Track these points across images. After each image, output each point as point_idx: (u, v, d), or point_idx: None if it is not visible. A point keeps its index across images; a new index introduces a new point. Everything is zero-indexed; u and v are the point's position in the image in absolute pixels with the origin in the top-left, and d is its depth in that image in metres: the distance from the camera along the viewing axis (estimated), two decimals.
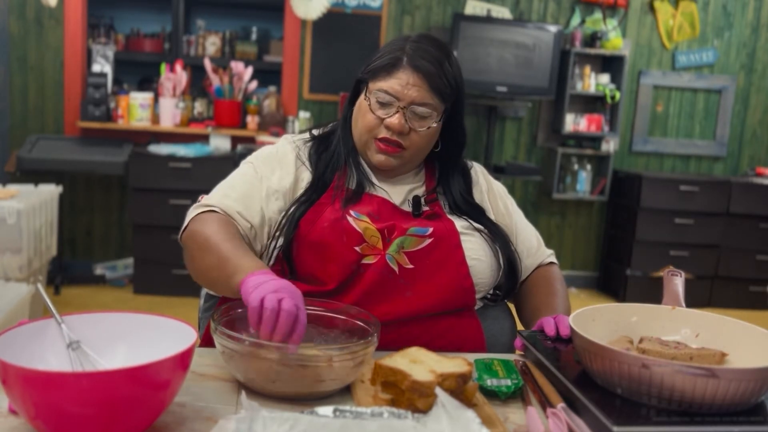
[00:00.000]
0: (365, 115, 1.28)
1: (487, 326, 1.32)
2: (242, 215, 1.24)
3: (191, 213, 1.25)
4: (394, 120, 1.24)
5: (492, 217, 1.38)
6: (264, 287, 0.96)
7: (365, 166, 1.34)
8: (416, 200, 1.32)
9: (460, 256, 1.26)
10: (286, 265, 1.24)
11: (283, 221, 1.25)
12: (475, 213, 1.35)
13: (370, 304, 1.18)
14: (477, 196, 1.40)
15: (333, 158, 1.33)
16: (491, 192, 1.44)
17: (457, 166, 1.39)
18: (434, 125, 1.28)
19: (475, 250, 1.28)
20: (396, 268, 1.22)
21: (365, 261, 1.21)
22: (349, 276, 1.21)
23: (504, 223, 1.40)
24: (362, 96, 1.30)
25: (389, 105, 1.25)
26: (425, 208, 1.32)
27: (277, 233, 1.26)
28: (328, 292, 1.19)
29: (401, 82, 1.24)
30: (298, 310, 0.94)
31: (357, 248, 1.21)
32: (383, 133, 1.27)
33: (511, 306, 1.45)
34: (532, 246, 1.44)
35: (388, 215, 1.27)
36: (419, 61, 1.24)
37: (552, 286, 1.38)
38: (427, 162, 1.39)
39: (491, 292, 1.36)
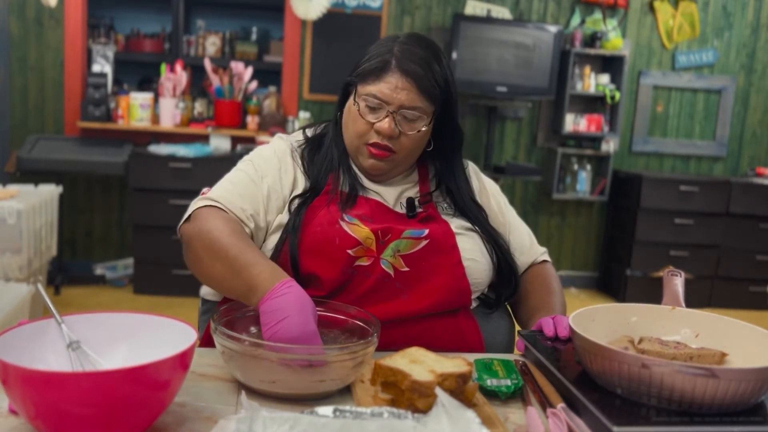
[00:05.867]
0: (356, 120, 1.27)
1: (483, 325, 1.32)
2: (245, 212, 1.23)
3: (193, 206, 1.24)
4: (384, 124, 1.24)
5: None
6: (281, 330, 0.96)
7: (356, 169, 1.34)
8: (410, 202, 1.31)
9: (456, 258, 1.26)
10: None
11: (285, 223, 1.25)
12: (476, 212, 1.35)
13: (366, 307, 1.16)
14: None
15: (326, 161, 1.33)
16: (484, 191, 1.44)
17: (457, 164, 1.38)
18: (424, 128, 1.27)
19: (471, 250, 1.28)
20: (391, 272, 1.22)
21: (359, 263, 1.21)
22: (345, 280, 1.20)
23: (497, 222, 1.40)
24: (351, 100, 1.29)
25: (379, 109, 1.25)
26: (419, 210, 1.31)
27: (273, 236, 1.25)
28: (322, 296, 1.19)
29: (390, 86, 1.23)
30: (309, 342, 0.96)
31: (350, 251, 1.20)
32: (374, 138, 1.26)
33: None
34: (525, 244, 1.44)
35: (382, 217, 1.26)
36: (408, 65, 1.23)
37: (548, 285, 1.38)
38: (420, 163, 1.38)
39: (487, 294, 1.36)
